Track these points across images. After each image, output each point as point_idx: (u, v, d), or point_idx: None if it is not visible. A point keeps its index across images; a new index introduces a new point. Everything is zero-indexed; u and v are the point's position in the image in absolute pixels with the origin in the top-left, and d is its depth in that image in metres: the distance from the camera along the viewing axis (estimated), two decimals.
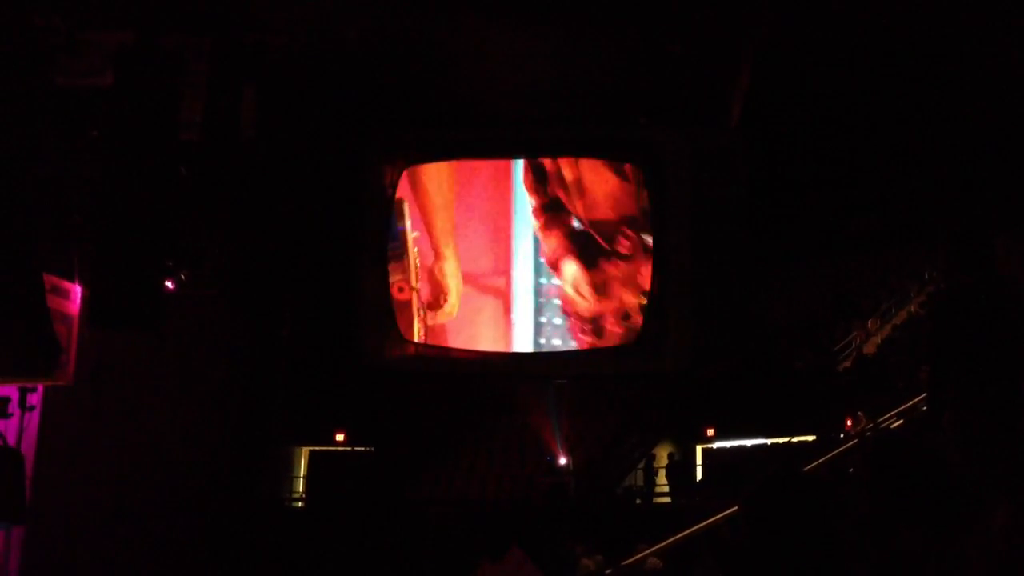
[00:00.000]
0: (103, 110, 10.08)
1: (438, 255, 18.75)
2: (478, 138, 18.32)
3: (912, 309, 20.38)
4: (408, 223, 18.74)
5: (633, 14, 13.06)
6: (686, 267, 17.31)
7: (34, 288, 9.54)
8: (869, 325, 21.12)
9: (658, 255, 17.62)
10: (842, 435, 14.76)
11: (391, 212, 18.33)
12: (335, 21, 12.19)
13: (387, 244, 18.31)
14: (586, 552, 13.16)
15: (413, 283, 18.65)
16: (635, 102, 16.83)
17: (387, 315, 18.09)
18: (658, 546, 9.54)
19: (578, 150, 18.40)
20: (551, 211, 18.70)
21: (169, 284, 12.44)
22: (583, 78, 15.29)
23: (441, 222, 18.73)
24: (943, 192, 15.87)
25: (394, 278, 18.60)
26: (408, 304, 18.65)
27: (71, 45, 10.10)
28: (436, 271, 18.76)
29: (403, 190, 18.67)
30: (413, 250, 18.66)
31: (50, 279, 10.66)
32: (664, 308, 17.52)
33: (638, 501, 19.36)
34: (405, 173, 18.63)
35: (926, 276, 20.31)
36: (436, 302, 18.82)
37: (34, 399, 11.15)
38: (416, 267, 18.67)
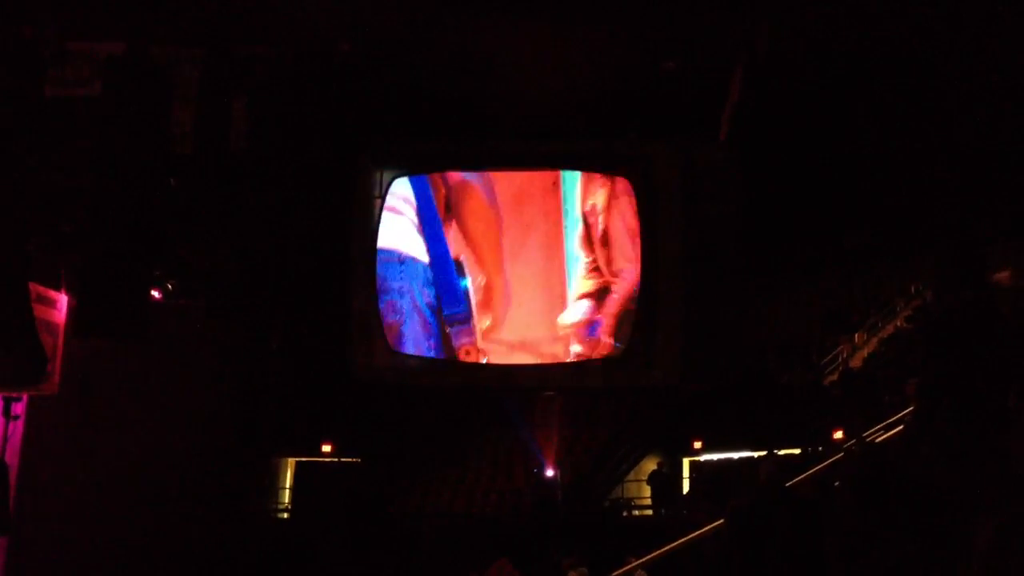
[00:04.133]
0: (92, 120, 10.08)
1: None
2: (468, 150, 18.31)
3: (898, 323, 20.47)
4: (470, 281, 18.52)
5: (625, 27, 13.12)
6: (676, 281, 17.33)
7: (20, 297, 9.51)
8: (856, 339, 21.18)
9: (647, 268, 17.64)
10: (829, 449, 14.81)
11: (379, 223, 18.28)
12: (327, 33, 12.20)
13: (376, 255, 18.24)
14: (573, 564, 13.17)
15: (479, 344, 18.46)
16: (627, 115, 16.86)
17: (376, 326, 18.05)
18: (645, 558, 9.55)
19: (569, 163, 18.42)
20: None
21: (156, 294, 12.41)
22: (574, 91, 15.32)
23: (489, 255, 18.53)
24: (934, 207, 15.96)
25: (460, 342, 18.40)
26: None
27: (62, 55, 10.10)
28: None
29: (459, 244, 18.54)
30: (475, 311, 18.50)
31: (36, 288, 10.65)
32: (653, 322, 17.53)
33: (625, 513, 19.37)
34: (455, 226, 18.53)
35: (912, 290, 20.41)
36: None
37: (19, 408, 11.12)
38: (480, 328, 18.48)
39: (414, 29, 12.64)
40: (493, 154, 18.46)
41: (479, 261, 18.31)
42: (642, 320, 17.65)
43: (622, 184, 18.07)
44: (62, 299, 11.72)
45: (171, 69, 10.25)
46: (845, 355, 20.87)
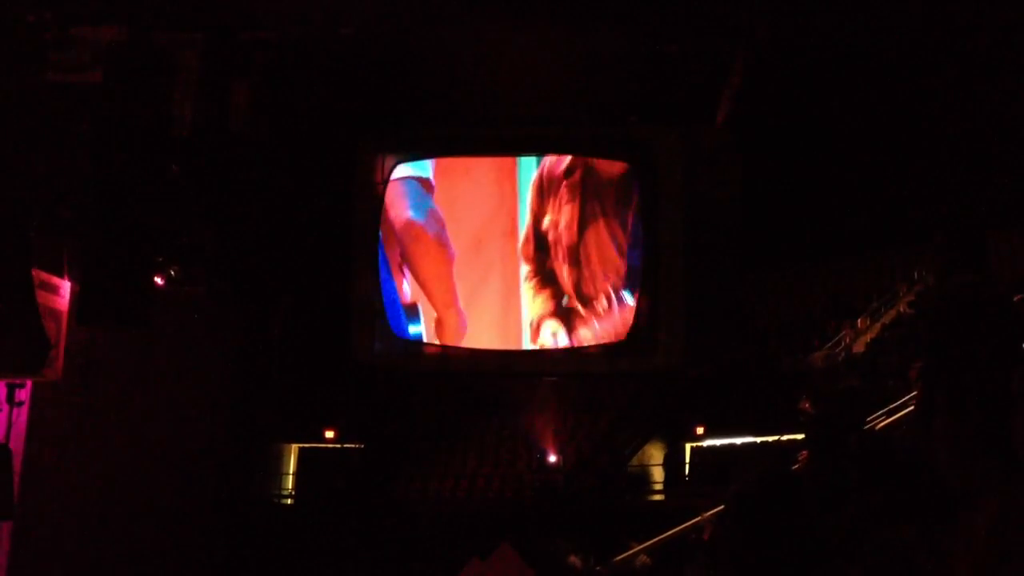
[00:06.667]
0: (94, 105, 10.05)
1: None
2: (468, 136, 18.27)
3: (901, 308, 20.45)
4: (423, 321, 18.31)
5: (626, 12, 13.06)
6: (678, 267, 17.31)
7: (23, 283, 9.51)
8: (859, 324, 21.19)
9: (649, 254, 17.62)
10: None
11: (382, 208, 18.26)
12: (329, 17, 12.15)
13: (378, 239, 18.22)
14: (575, 549, 13.20)
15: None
16: (627, 100, 16.81)
17: (378, 311, 18.05)
18: (647, 543, 9.59)
19: (568, 148, 18.39)
20: (542, 279, 18.36)
21: (159, 280, 12.39)
22: (574, 76, 15.28)
23: (440, 294, 18.43)
24: (936, 192, 15.93)
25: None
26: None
27: (62, 40, 10.07)
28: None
29: (414, 291, 18.43)
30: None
31: (39, 274, 10.64)
32: (656, 308, 17.52)
33: (628, 499, 19.39)
34: (409, 274, 18.38)
35: (915, 275, 20.39)
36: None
37: (23, 395, 11.13)
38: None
39: (415, 14, 12.59)
40: (493, 140, 18.43)
41: (432, 300, 18.32)
42: (645, 306, 17.66)
43: (594, 207, 18.09)
44: (65, 285, 11.71)
45: (173, 54, 10.21)
46: (848, 340, 20.86)
